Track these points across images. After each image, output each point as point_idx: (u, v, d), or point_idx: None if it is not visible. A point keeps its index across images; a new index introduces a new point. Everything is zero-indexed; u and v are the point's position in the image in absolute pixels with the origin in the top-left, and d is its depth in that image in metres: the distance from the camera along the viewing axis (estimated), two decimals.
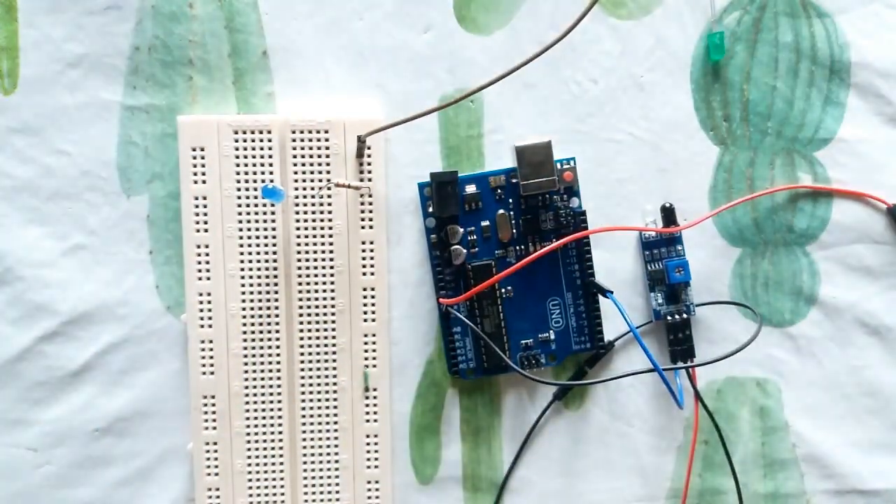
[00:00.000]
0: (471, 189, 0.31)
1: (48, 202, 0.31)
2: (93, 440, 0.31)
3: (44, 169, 0.31)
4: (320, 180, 0.30)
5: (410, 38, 0.31)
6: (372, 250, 0.31)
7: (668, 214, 0.31)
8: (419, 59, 0.31)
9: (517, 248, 0.31)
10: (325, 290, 0.31)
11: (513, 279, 0.31)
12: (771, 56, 0.32)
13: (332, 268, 0.31)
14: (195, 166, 0.30)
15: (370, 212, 0.31)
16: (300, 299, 0.31)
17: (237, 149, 0.30)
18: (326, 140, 0.30)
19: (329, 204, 0.30)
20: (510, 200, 0.31)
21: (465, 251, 0.31)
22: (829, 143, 0.32)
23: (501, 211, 0.31)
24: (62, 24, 0.30)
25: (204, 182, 0.30)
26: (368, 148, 0.30)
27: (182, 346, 0.31)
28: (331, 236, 0.31)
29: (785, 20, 0.32)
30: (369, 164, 0.30)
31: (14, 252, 0.31)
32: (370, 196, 0.31)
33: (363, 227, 0.31)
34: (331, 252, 0.31)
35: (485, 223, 0.31)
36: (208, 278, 0.30)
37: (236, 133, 0.30)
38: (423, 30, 0.31)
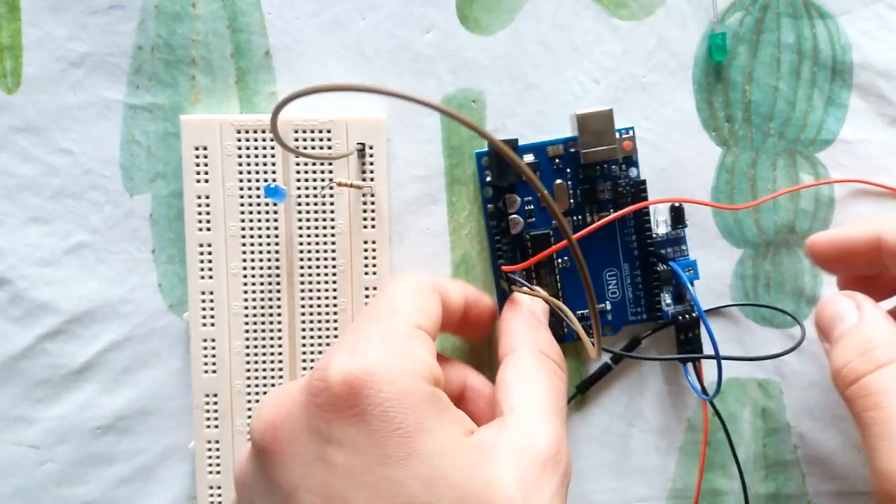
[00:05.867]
0: (529, 158, 0.30)
1: (51, 201, 0.31)
2: (95, 438, 0.31)
3: (47, 168, 0.31)
4: (322, 180, 0.30)
5: (412, 38, 0.31)
6: (374, 250, 0.31)
7: (678, 214, 0.31)
8: (421, 59, 0.31)
9: (575, 217, 0.31)
10: (326, 290, 0.31)
11: (570, 249, 0.30)
12: (773, 57, 0.32)
13: (334, 267, 0.31)
14: (198, 165, 0.30)
15: (372, 211, 0.31)
16: (302, 298, 0.31)
17: (240, 148, 0.30)
18: (329, 140, 0.30)
19: (331, 203, 0.30)
20: (568, 170, 0.31)
21: (522, 220, 0.30)
22: (830, 145, 0.32)
23: (559, 181, 0.31)
24: (65, 23, 0.30)
25: (206, 181, 0.30)
26: (370, 148, 0.30)
27: (184, 345, 0.31)
28: (333, 236, 0.31)
29: (787, 21, 0.32)
30: (371, 163, 0.30)
31: (17, 250, 0.31)
32: (372, 196, 0.31)
33: (365, 227, 0.31)
34: (333, 251, 0.31)
35: None
36: (210, 277, 0.30)
37: (239, 132, 0.30)
38: (426, 30, 0.31)
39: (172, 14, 0.30)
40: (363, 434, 0.20)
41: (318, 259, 0.31)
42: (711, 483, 0.32)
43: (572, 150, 0.30)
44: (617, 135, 0.30)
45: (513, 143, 0.30)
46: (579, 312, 0.31)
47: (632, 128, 0.31)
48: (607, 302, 0.31)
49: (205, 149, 0.30)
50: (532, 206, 0.31)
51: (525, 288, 0.28)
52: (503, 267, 0.29)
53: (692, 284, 0.31)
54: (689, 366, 0.31)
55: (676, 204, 0.31)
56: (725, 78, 0.32)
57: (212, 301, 0.30)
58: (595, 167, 0.31)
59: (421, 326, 0.23)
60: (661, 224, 0.31)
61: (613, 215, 0.30)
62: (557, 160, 0.31)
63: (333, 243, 0.31)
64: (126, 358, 0.31)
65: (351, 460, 0.20)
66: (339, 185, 0.30)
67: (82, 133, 0.31)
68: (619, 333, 0.32)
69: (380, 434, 0.20)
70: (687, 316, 0.31)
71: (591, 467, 0.32)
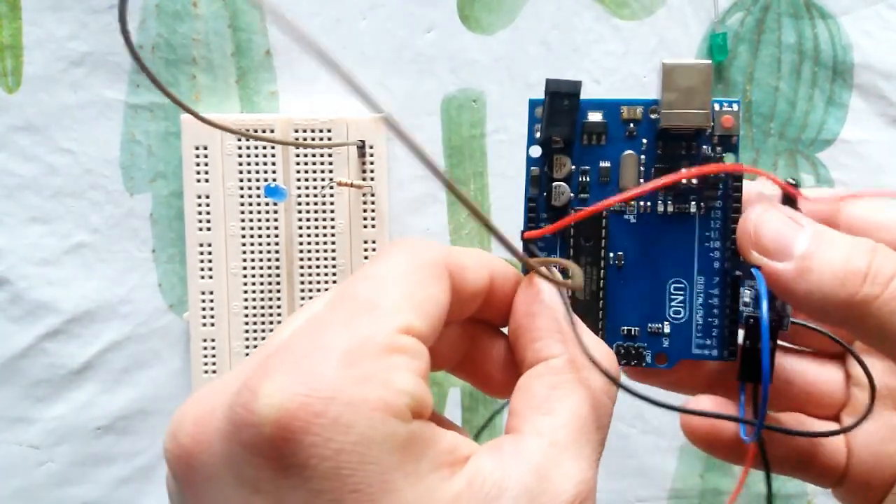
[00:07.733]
0: (595, 117, 0.22)
1: (51, 200, 0.31)
2: (94, 438, 0.31)
3: (47, 167, 0.31)
4: (322, 179, 0.30)
5: (413, 38, 0.31)
6: (374, 249, 0.31)
7: (790, 199, 0.22)
8: (422, 59, 0.31)
9: (642, 203, 0.23)
10: (326, 289, 0.31)
11: (629, 244, 0.23)
12: (774, 57, 0.32)
13: (334, 267, 0.31)
14: (198, 165, 0.30)
15: (372, 211, 0.31)
16: (302, 298, 0.31)
17: (240, 148, 0.30)
18: (329, 139, 0.30)
19: (331, 203, 0.30)
20: (644, 140, 0.22)
21: (569, 190, 0.22)
22: (831, 145, 0.32)
23: (630, 151, 0.22)
24: (66, 22, 0.30)
25: (206, 181, 0.30)
26: (370, 147, 0.30)
27: (184, 345, 0.31)
28: (333, 235, 0.31)
29: (788, 21, 0.32)
30: (371, 163, 0.30)
31: (17, 250, 0.31)
32: (372, 195, 0.31)
33: (365, 227, 0.31)
34: (332, 251, 0.31)
35: (605, 164, 0.22)
36: (210, 277, 0.30)
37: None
38: (427, 29, 0.31)
39: (173, 13, 0.30)
40: (302, 493, 0.14)
41: (318, 259, 0.31)
42: (713, 483, 0.32)
43: (653, 115, 0.22)
44: (717, 106, 0.22)
45: (576, 86, 0.21)
46: (624, 329, 0.23)
47: (737, 101, 0.23)
48: (666, 322, 0.23)
49: (205, 148, 0.30)
50: (588, 178, 0.22)
51: (553, 259, 0.21)
52: (525, 234, 0.22)
53: (770, 301, 0.20)
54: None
55: (791, 180, 0.22)
56: (726, 78, 0.32)
57: (212, 301, 0.30)
58: (680, 141, 0.22)
59: (410, 329, 0.16)
60: None
61: (673, 176, 0.20)
62: (632, 125, 0.22)
63: (333, 243, 0.31)
64: (126, 358, 0.31)
65: None
66: (340, 184, 0.30)
67: (83, 132, 0.31)
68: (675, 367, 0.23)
69: (326, 496, 0.14)
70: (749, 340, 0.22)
71: None
